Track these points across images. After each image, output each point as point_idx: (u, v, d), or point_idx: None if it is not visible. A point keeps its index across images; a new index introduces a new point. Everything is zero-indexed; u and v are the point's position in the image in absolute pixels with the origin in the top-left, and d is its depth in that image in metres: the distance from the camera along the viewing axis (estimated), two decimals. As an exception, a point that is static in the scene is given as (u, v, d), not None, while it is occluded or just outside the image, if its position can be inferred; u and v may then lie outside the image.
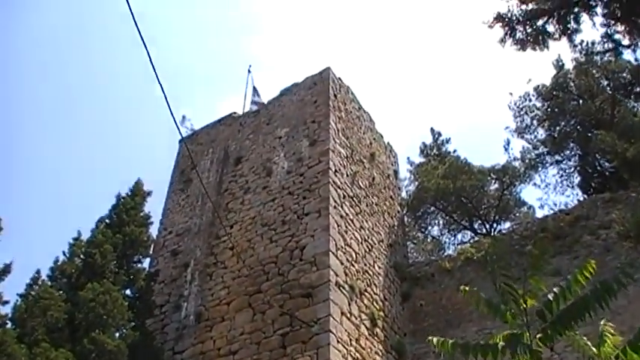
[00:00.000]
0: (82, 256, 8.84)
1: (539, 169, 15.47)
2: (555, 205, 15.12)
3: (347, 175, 10.70)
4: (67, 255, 9.02)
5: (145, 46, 4.25)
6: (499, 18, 9.89)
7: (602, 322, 3.31)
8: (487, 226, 15.68)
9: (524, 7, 9.84)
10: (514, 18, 9.63)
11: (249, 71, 14.58)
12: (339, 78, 12.72)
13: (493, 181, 15.67)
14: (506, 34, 9.78)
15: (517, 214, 15.88)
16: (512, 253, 9.73)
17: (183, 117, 13.44)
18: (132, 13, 4.01)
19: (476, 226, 15.95)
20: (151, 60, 4.39)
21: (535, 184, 15.65)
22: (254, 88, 14.07)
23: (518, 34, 9.78)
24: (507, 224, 15.45)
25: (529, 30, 9.71)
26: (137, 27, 4.10)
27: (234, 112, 13.70)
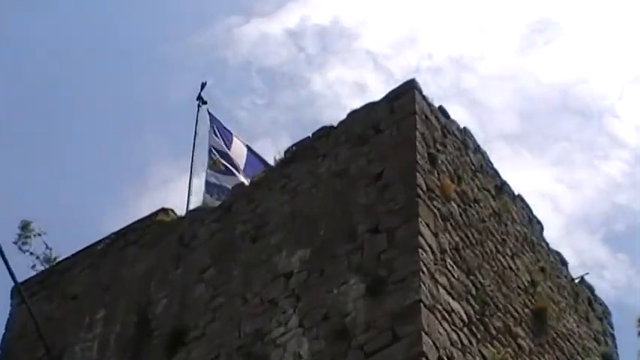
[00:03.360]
0: None
1: None
2: None
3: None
4: None
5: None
6: None
7: None
8: None
9: None
10: None
11: (199, 106, 15.46)
12: (442, 109, 12.09)
13: None
14: None
15: None
16: None
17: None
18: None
19: None
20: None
21: None
22: (212, 149, 14.98)
23: None
24: None
25: None
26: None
27: (166, 210, 13.34)
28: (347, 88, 36.20)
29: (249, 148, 15.43)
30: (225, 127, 15.53)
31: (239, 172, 14.82)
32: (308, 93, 36.42)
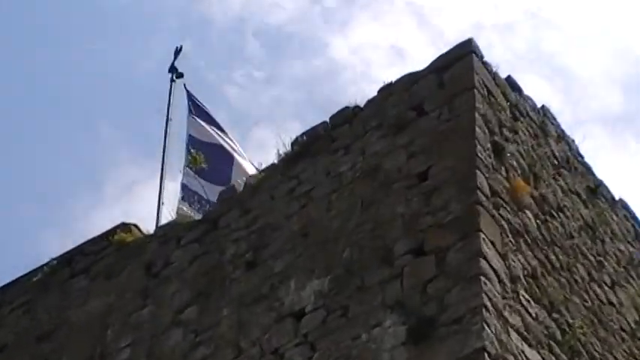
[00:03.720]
0: None
1: None
2: None
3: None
4: None
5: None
6: None
7: None
8: None
9: None
10: None
11: (173, 80, 16.09)
12: (512, 81, 12.44)
13: None
14: None
15: None
16: None
17: None
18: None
19: None
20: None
21: None
22: (191, 138, 15.60)
23: None
24: None
25: None
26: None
27: (129, 225, 13.61)
28: (380, 55, 36.27)
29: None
30: (206, 111, 15.60)
31: (234, 165, 15.15)
32: (325, 62, 36.78)
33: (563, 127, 13.02)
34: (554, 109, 12.81)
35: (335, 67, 36.77)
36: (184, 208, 14.33)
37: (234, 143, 16.17)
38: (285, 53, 36.59)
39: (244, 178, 13.49)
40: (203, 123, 16.07)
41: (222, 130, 16.25)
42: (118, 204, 31.83)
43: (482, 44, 12.02)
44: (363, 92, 12.07)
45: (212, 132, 16.03)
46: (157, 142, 15.85)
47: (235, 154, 15.91)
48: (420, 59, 11.68)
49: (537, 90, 12.73)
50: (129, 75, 33.81)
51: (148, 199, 14.79)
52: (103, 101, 31.63)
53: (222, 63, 35.31)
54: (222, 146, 15.84)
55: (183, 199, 14.76)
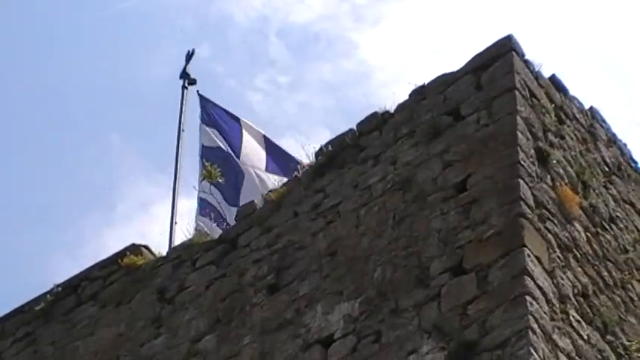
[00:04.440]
0: None
1: None
2: None
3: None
4: None
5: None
6: None
7: None
8: None
9: None
10: None
11: (185, 87, 16.08)
12: (557, 81, 12.40)
13: None
14: None
15: None
16: None
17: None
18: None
19: None
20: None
21: None
22: (205, 150, 15.41)
23: None
24: None
25: None
26: None
27: (139, 247, 13.69)
28: (415, 55, 36.22)
29: (267, 143, 15.83)
30: (226, 112, 15.84)
31: (258, 180, 15.11)
32: (356, 64, 36.91)
33: (617, 129, 12.79)
34: (608, 109, 12.51)
35: (366, 69, 36.80)
36: (202, 225, 14.37)
37: (261, 147, 15.96)
38: (311, 55, 36.57)
39: (262, 195, 13.38)
40: (217, 132, 15.93)
41: (239, 138, 15.80)
42: (131, 224, 31.85)
43: (523, 39, 11.88)
44: (396, 97, 11.87)
45: (224, 141, 15.92)
46: (172, 155, 15.88)
47: (250, 169, 15.73)
48: (461, 59, 11.44)
49: (588, 89, 12.59)
50: (139, 82, 33.94)
51: (165, 218, 14.91)
52: (113, 112, 31.63)
53: (243, 67, 34.83)
54: (234, 162, 15.79)
55: (201, 213, 14.84)
